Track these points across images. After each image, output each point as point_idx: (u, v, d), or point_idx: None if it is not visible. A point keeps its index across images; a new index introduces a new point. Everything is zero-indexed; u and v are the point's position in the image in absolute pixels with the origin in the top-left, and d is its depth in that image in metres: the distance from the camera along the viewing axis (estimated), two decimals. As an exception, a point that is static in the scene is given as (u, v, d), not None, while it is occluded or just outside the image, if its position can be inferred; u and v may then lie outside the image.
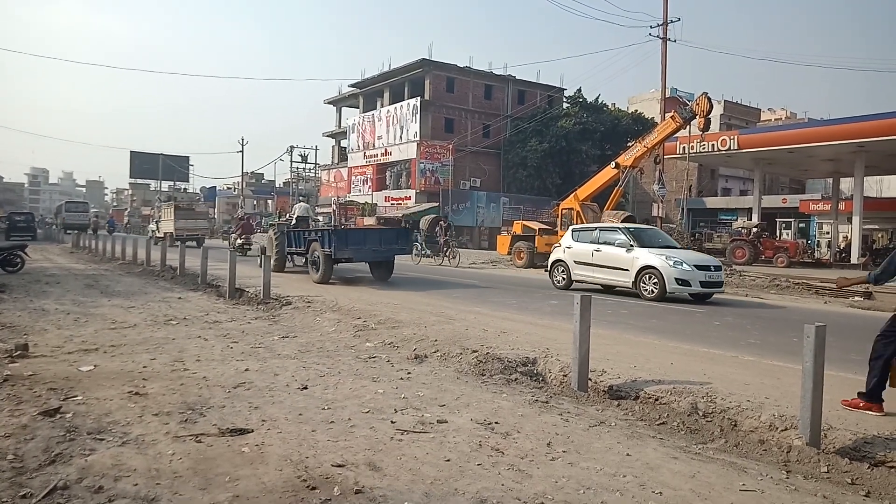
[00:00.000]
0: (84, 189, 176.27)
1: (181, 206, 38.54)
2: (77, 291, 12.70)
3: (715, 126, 41.11)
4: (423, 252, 25.69)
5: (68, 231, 42.82)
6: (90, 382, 5.60)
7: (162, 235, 33.05)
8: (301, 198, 42.29)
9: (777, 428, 4.81)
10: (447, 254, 25.14)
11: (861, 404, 5.27)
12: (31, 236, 38.87)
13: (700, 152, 31.05)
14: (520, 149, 48.20)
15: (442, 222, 26.73)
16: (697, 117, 21.20)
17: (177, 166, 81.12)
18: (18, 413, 4.62)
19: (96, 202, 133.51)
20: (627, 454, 4.20)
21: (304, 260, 16.91)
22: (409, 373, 6.34)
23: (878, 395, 5.25)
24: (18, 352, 6.67)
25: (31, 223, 43.73)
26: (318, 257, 15.29)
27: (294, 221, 18.75)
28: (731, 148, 30.43)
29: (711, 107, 21.15)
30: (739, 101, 59.11)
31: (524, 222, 27.54)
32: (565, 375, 6.31)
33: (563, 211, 24.67)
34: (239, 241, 26.96)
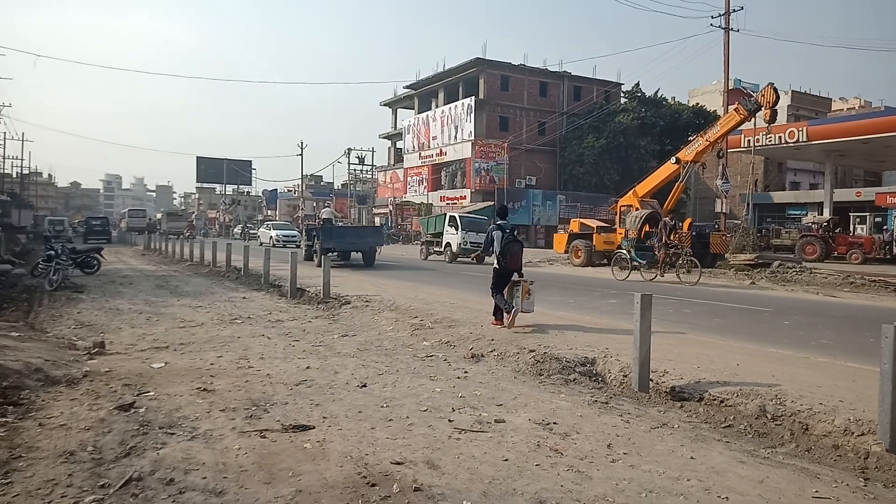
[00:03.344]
0: (154, 193, 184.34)
1: (171, 213, 66.23)
2: (148, 292, 13.30)
3: (782, 118, 39.39)
4: (633, 262, 17.78)
5: (137, 233, 47.65)
6: (161, 379, 5.86)
7: (163, 231, 49.18)
8: (326, 205, 46.04)
9: (853, 433, 4.57)
10: (675, 265, 17.11)
11: (493, 322, 8.73)
12: (106, 239, 40.91)
13: (766, 145, 29.86)
14: (576, 145, 47.52)
15: (667, 219, 17.95)
16: (763, 109, 20.33)
17: (240, 170, 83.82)
18: (97, 407, 4.88)
19: (165, 205, 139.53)
20: (691, 457, 4.09)
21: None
22: (466, 372, 6.35)
23: (500, 316, 8.66)
24: (96, 349, 7.06)
25: (107, 227, 46.11)
26: (316, 248, 20.09)
27: (321, 222, 23.04)
28: (800, 140, 29.13)
29: (778, 97, 20.26)
30: (808, 91, 56.50)
31: (581, 220, 27.12)
32: (625, 376, 6.19)
33: (622, 208, 24.15)
34: (187, 233, 41.35)
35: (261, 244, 32.75)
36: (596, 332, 8.46)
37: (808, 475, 3.88)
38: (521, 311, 8.59)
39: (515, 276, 8.71)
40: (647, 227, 18.98)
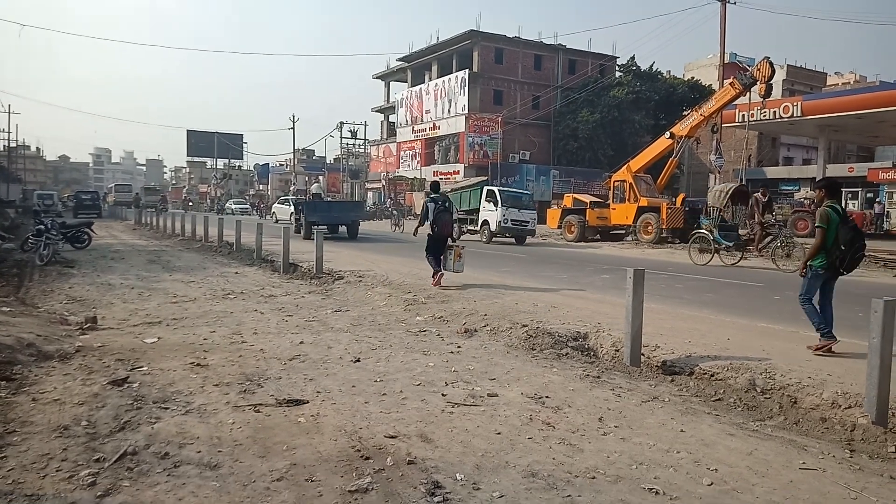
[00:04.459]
0: (144, 167, 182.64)
1: (148, 188, 68.90)
2: (140, 267, 13.24)
3: (777, 92, 39.26)
4: (715, 243, 15.14)
5: (125, 207, 48.74)
6: (154, 354, 5.86)
7: (141, 204, 48.30)
8: (315, 180, 47.12)
9: (840, 406, 4.64)
10: (769, 248, 15.06)
11: (432, 283, 10.15)
12: (96, 214, 40.56)
13: (760, 120, 29.76)
14: (570, 120, 47.27)
15: (759, 195, 15.53)
16: (758, 83, 20.28)
17: (231, 144, 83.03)
18: (90, 382, 4.89)
19: (156, 180, 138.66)
20: (681, 430, 4.14)
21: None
22: (459, 347, 6.39)
23: (436, 275, 10.22)
24: (88, 324, 7.04)
25: (97, 201, 45.71)
26: (303, 222, 21.59)
27: (311, 197, 24.42)
28: (795, 115, 29.06)
29: (773, 72, 20.18)
30: (803, 66, 56.23)
31: (575, 195, 27.10)
32: (617, 350, 6.24)
33: (615, 183, 24.17)
34: (160, 206, 41.68)
35: (276, 222, 29.06)
36: (588, 307, 8.51)
37: (795, 447, 3.94)
38: (453, 272, 10.44)
39: (449, 242, 10.48)
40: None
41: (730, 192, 16.16)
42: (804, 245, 13.72)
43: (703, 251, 15.39)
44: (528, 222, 22.64)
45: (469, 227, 23.67)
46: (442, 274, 10.28)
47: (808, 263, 6.27)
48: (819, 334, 6.11)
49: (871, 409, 4.30)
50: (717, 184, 27.69)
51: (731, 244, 15.37)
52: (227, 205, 61.88)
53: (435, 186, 11.20)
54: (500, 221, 21.71)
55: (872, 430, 4.21)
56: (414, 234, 12.08)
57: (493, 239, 22.33)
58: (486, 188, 23.54)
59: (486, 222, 22.59)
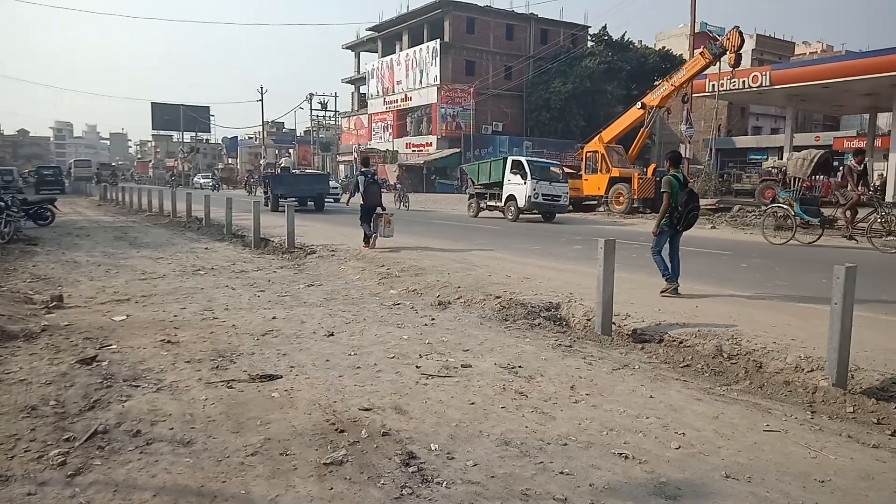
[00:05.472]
0: (108, 142, 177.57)
1: (102, 164, 72.67)
2: (107, 243, 12.96)
3: (746, 62, 39.48)
4: (796, 219, 13.39)
5: (85, 181, 49.74)
6: (124, 332, 5.77)
7: (97, 179, 51.55)
8: (286, 153, 46.98)
9: (803, 369, 4.79)
10: (866, 224, 13.12)
11: (363, 246, 11.30)
12: (59, 189, 39.41)
13: (730, 90, 30.01)
14: (543, 91, 47.15)
15: (853, 163, 13.30)
16: (728, 53, 20.46)
17: (198, 117, 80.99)
18: (57, 361, 4.80)
19: (120, 154, 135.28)
20: (650, 396, 4.23)
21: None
22: (432, 319, 6.41)
23: (368, 241, 11.39)
24: (54, 303, 6.88)
25: (59, 177, 44.36)
26: (270, 194, 23.09)
27: (280, 170, 27.82)
28: (763, 84, 29.33)
29: (743, 41, 20.37)
30: (772, 35, 56.73)
31: (548, 166, 27.10)
32: (589, 320, 6.33)
33: (588, 154, 24.28)
34: (110, 180, 43.42)
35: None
36: (560, 278, 8.59)
37: (760, 410, 4.06)
38: (382, 237, 11.52)
39: (379, 210, 11.54)
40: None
41: (815, 161, 13.39)
42: None
43: (780, 228, 13.59)
44: (561, 196, 20.04)
45: (490, 203, 21.04)
46: (376, 236, 11.46)
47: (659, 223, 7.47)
48: (665, 279, 7.40)
49: (832, 371, 4.44)
50: (687, 153, 27.91)
51: (815, 220, 13.53)
52: (194, 178, 59.87)
53: (365, 161, 13.02)
54: (529, 196, 19.10)
55: (833, 392, 4.36)
56: (346, 204, 13.52)
57: (521, 216, 19.86)
58: (511, 158, 20.64)
59: (511, 197, 19.83)
